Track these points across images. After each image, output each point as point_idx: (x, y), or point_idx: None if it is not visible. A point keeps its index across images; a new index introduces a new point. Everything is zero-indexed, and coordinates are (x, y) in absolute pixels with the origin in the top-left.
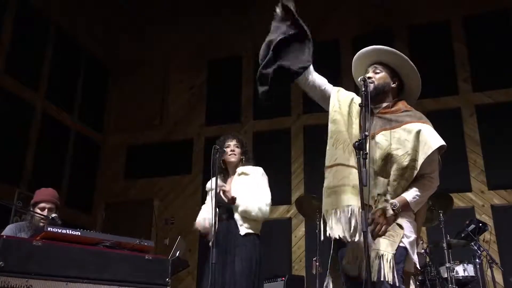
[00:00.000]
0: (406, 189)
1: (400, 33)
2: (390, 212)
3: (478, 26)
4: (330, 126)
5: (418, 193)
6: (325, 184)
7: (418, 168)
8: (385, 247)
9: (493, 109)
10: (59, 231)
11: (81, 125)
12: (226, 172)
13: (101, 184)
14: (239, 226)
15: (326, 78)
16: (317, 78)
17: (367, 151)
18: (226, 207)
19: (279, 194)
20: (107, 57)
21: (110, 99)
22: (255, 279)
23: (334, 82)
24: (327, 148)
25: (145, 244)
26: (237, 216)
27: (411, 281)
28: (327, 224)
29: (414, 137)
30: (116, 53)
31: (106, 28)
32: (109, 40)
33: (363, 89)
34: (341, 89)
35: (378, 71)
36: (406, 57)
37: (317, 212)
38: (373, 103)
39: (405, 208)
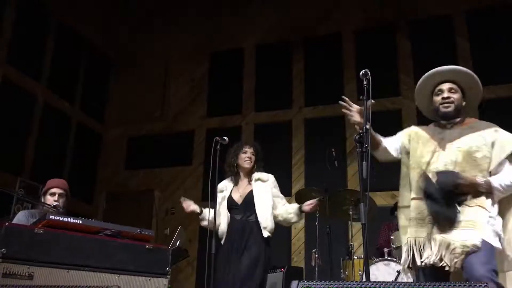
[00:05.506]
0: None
1: (402, 27)
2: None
3: (480, 21)
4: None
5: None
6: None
7: (492, 167)
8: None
9: (496, 104)
10: (61, 219)
11: (82, 116)
12: (237, 175)
13: (102, 174)
14: (262, 228)
15: (329, 69)
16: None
17: (368, 144)
18: (243, 208)
19: (279, 187)
20: (109, 48)
21: (111, 90)
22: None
23: (335, 73)
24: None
25: (146, 233)
26: (261, 219)
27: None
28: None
29: (489, 143)
30: (117, 44)
31: (108, 20)
32: (111, 32)
33: (364, 83)
34: (402, 132)
35: (454, 90)
36: (476, 76)
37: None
38: (448, 120)
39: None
